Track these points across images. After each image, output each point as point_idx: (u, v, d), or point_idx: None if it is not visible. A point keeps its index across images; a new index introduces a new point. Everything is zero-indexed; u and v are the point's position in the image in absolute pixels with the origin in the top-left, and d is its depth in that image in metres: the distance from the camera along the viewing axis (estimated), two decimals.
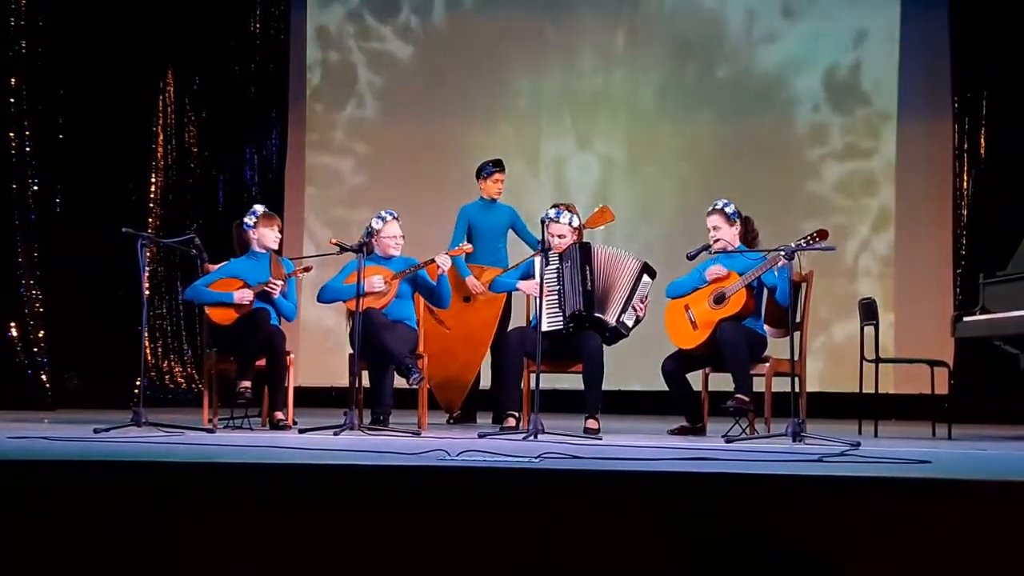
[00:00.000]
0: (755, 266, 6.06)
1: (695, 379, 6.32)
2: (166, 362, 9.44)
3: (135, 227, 6.40)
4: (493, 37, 9.85)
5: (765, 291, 6.20)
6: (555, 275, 6.27)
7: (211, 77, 9.71)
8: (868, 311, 7.10)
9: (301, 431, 5.71)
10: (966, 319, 6.75)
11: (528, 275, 6.42)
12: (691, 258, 6.09)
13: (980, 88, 9.20)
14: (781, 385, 5.95)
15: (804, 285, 6.24)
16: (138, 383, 6.86)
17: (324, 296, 6.48)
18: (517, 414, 6.26)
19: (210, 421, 6.31)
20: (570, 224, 6.34)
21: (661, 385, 6.33)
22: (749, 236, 6.33)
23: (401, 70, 9.90)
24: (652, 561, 3.01)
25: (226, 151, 9.78)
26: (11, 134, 8.52)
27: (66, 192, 8.92)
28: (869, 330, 7.01)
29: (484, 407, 7.41)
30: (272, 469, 3.56)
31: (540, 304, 5.83)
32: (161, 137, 9.50)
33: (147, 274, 7.05)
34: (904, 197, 9.47)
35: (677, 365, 6.26)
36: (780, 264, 5.85)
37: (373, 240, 6.44)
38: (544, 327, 5.88)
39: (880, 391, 7.01)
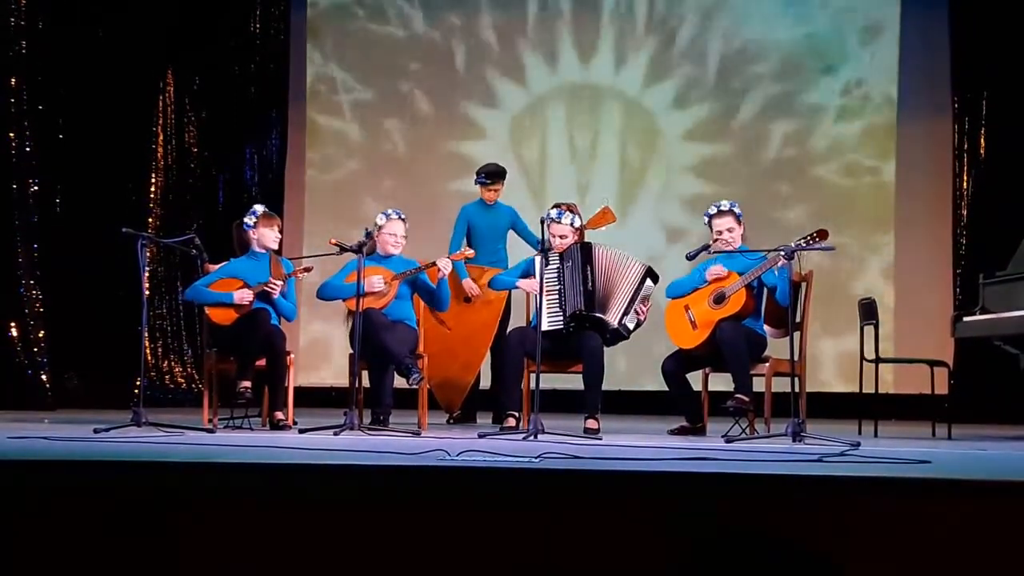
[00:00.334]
0: (755, 266, 6.06)
1: (695, 379, 6.32)
2: (166, 362, 9.44)
3: (135, 227, 6.40)
4: (493, 36, 9.86)
5: (765, 291, 6.20)
6: (556, 275, 6.27)
7: (211, 77, 9.72)
8: (868, 311, 7.10)
9: (301, 431, 5.70)
10: (966, 319, 6.75)
11: (528, 274, 6.42)
12: (691, 258, 6.10)
13: (980, 88, 9.21)
14: (781, 385, 5.95)
15: (804, 285, 6.24)
16: (138, 383, 6.86)
17: (324, 293, 6.48)
18: (517, 414, 6.26)
19: (210, 421, 6.31)
20: (571, 224, 6.34)
21: (661, 385, 6.33)
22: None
23: (401, 70, 9.90)
24: (652, 561, 3.01)
25: (226, 151, 9.79)
26: (11, 134, 8.53)
27: (66, 192, 8.92)
28: (869, 330, 7.01)
29: (484, 407, 7.41)
30: (272, 469, 3.56)
31: (540, 303, 5.84)
32: (161, 137, 9.51)
33: (147, 274, 7.05)
34: (904, 197, 9.47)
35: (677, 365, 6.26)
36: (780, 264, 5.85)
37: (376, 236, 6.45)
38: (544, 327, 5.88)
39: (880, 391, 7.01)
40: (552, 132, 9.80)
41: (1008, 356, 6.86)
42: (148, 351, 9.14)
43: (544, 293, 5.93)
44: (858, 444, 4.94)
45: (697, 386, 6.32)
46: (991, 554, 2.99)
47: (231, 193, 9.69)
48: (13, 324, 8.46)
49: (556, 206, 6.39)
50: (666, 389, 6.33)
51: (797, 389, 5.63)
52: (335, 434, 5.46)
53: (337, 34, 10.02)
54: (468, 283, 7.17)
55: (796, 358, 5.71)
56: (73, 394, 8.68)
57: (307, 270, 6.48)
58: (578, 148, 9.75)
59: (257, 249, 6.47)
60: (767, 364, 6.12)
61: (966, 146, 9.25)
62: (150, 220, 9.29)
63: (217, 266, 6.52)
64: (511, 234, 7.51)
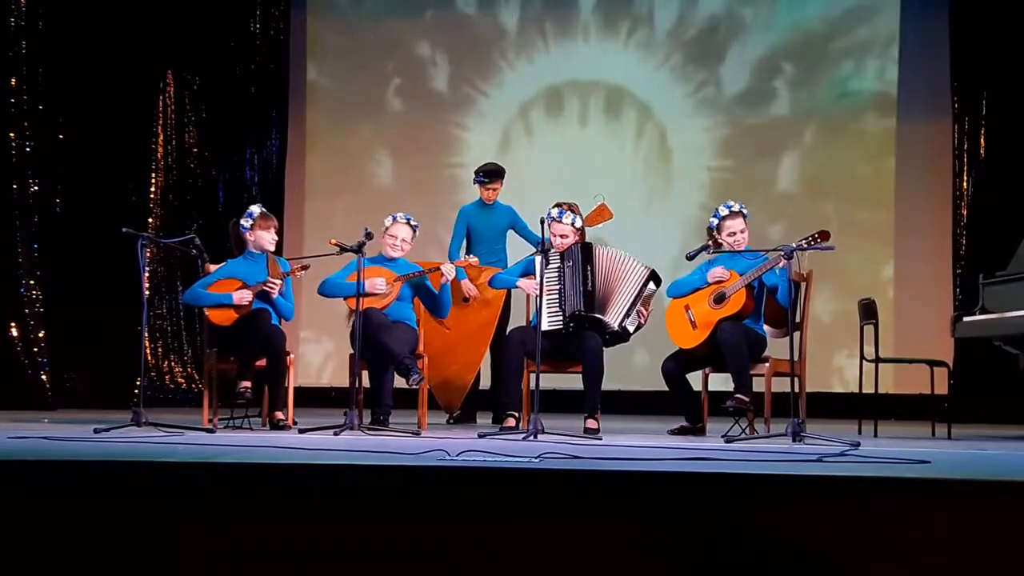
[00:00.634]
0: (756, 266, 6.06)
1: (695, 379, 6.32)
2: (166, 362, 9.44)
3: (135, 227, 6.40)
4: (493, 34, 9.86)
5: (765, 291, 6.19)
6: (556, 274, 6.26)
7: (211, 77, 9.72)
8: (868, 311, 7.10)
9: (301, 431, 5.70)
10: (966, 319, 6.75)
11: (529, 273, 6.41)
12: (691, 258, 6.10)
13: (980, 88, 9.21)
14: (781, 385, 5.95)
15: (804, 285, 6.24)
16: (138, 383, 6.86)
17: (324, 289, 6.47)
18: (517, 414, 6.26)
19: (210, 421, 6.31)
20: (572, 224, 6.34)
21: (661, 385, 6.32)
22: None
23: (401, 69, 9.90)
24: (652, 561, 3.01)
25: (226, 151, 9.79)
26: (11, 134, 8.52)
27: (66, 192, 8.92)
28: (869, 330, 7.02)
29: (484, 407, 7.41)
30: (272, 469, 3.56)
31: (540, 303, 5.83)
32: (161, 137, 9.51)
33: (147, 274, 7.05)
34: (904, 197, 9.48)
35: (677, 365, 6.26)
36: (780, 264, 5.85)
37: (381, 238, 6.46)
38: (544, 326, 5.88)
39: (880, 391, 7.01)
40: (553, 131, 9.79)
41: (1008, 356, 6.86)
42: (148, 351, 9.14)
43: (544, 293, 5.93)
44: (858, 444, 4.94)
45: (697, 386, 6.32)
46: (991, 554, 2.99)
47: (231, 193, 9.69)
48: (13, 324, 8.45)
49: (557, 205, 6.39)
50: (666, 389, 6.33)
51: (797, 389, 5.63)
52: (335, 434, 5.46)
53: (337, 34, 10.01)
54: (466, 283, 7.17)
55: (796, 358, 5.71)
56: (73, 394, 8.67)
57: (304, 268, 6.47)
58: (577, 148, 9.75)
59: (254, 250, 6.47)
60: (767, 364, 6.12)
61: (966, 146, 9.25)
62: (150, 220, 9.29)
63: (217, 266, 6.51)
64: (510, 234, 7.51)
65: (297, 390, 6.64)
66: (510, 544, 3.05)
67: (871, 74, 9.54)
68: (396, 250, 6.47)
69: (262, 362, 6.27)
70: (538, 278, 5.93)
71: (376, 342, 6.11)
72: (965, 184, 9.23)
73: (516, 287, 6.56)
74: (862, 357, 6.95)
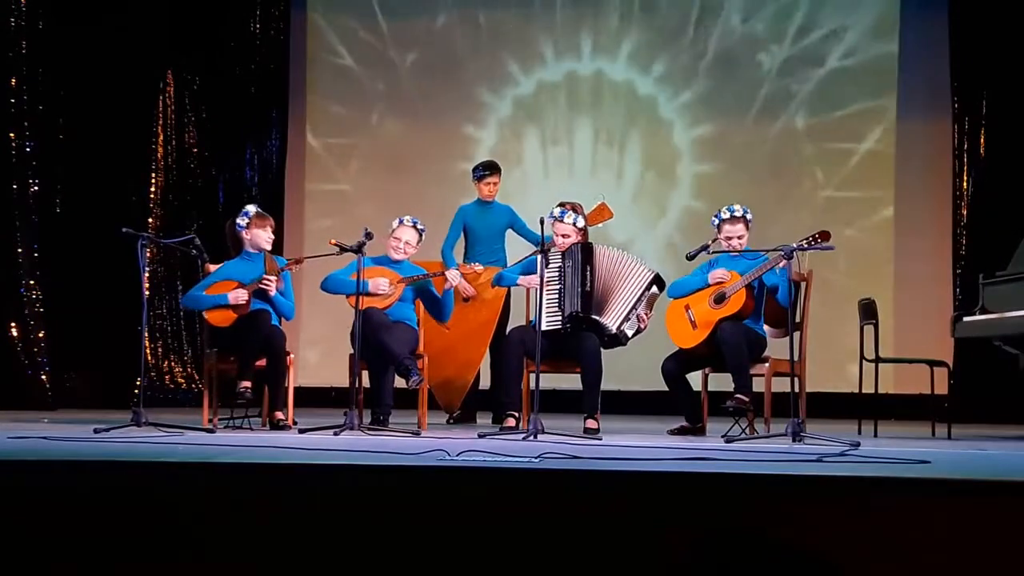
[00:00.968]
0: (756, 266, 6.06)
1: (695, 379, 6.32)
2: (166, 362, 9.44)
3: (135, 227, 6.40)
4: (493, 34, 9.85)
5: (765, 291, 6.19)
6: (556, 274, 6.26)
7: (211, 77, 9.72)
8: (868, 311, 7.10)
9: (301, 431, 5.70)
10: (966, 319, 6.75)
11: (530, 272, 6.40)
12: (691, 258, 6.09)
13: (980, 88, 9.21)
14: (781, 385, 5.95)
15: (804, 285, 6.24)
16: (138, 383, 6.86)
17: (327, 285, 6.46)
18: (517, 414, 6.25)
19: (210, 421, 6.31)
20: (575, 224, 6.32)
21: (661, 385, 6.32)
22: None
23: (401, 69, 9.90)
24: (652, 561, 3.01)
25: (226, 151, 9.78)
26: (11, 134, 8.52)
27: (66, 192, 8.92)
28: (869, 330, 7.02)
29: (484, 407, 7.41)
30: (272, 469, 3.56)
31: (540, 302, 5.82)
32: (161, 137, 9.50)
33: (147, 274, 7.04)
34: (904, 197, 9.48)
35: (677, 365, 6.26)
36: (781, 264, 5.85)
37: (386, 238, 6.47)
38: (543, 326, 5.87)
39: (880, 391, 7.01)
40: (553, 131, 9.79)
41: (1008, 356, 6.86)
42: (148, 351, 9.14)
43: (544, 292, 5.91)
44: (858, 444, 4.94)
45: (697, 386, 6.32)
46: (991, 554, 2.99)
47: (231, 193, 9.68)
48: (13, 324, 8.45)
49: (561, 205, 6.39)
50: (666, 389, 6.33)
51: (797, 389, 5.63)
52: (335, 434, 5.46)
53: (337, 33, 10.01)
54: (463, 284, 7.16)
55: (796, 358, 5.71)
56: (73, 394, 8.67)
57: (299, 262, 6.45)
58: (578, 146, 9.75)
59: (250, 250, 6.46)
60: (767, 364, 6.12)
61: (966, 146, 9.25)
62: (150, 220, 9.29)
63: (217, 266, 6.51)
64: (509, 235, 7.51)
65: (297, 390, 6.64)
66: (510, 544, 3.05)
67: (871, 74, 9.53)
68: (400, 253, 6.47)
69: (262, 362, 6.27)
70: (538, 277, 5.92)
71: (376, 342, 6.11)
72: (965, 184, 9.23)
73: (517, 284, 6.54)
74: (862, 357, 6.94)
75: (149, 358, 9.22)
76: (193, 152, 9.68)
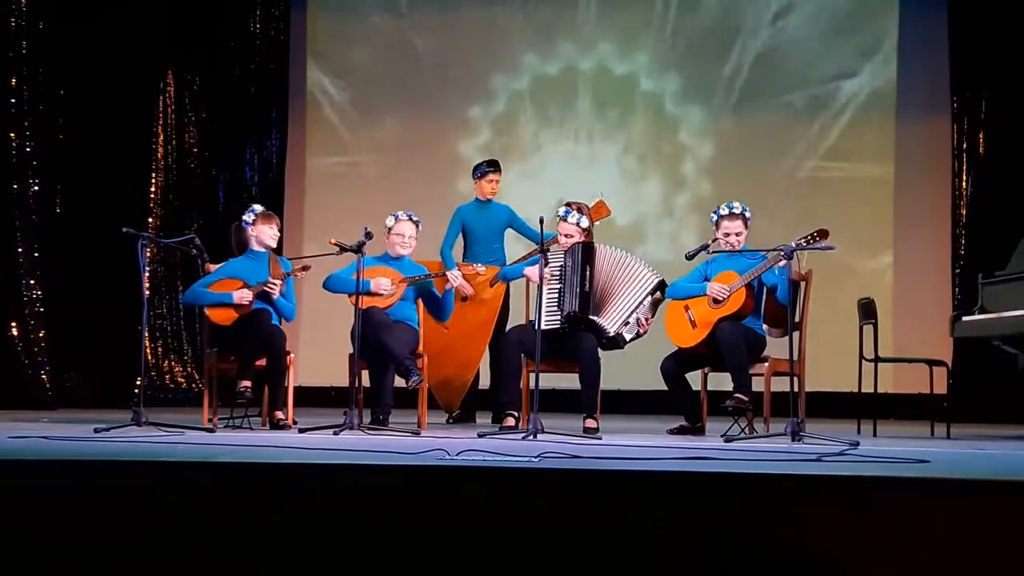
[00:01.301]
0: (755, 265, 6.06)
1: (694, 379, 6.32)
2: (166, 362, 9.44)
3: (135, 227, 6.39)
4: (493, 32, 9.86)
5: (764, 290, 6.19)
6: (557, 273, 6.26)
7: (211, 77, 9.72)
8: (867, 311, 7.10)
9: (301, 431, 5.71)
10: (965, 319, 6.75)
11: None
12: (690, 258, 6.08)
13: (979, 88, 9.21)
14: (780, 385, 5.95)
15: (803, 284, 6.24)
16: (138, 383, 6.86)
17: (329, 284, 6.46)
18: (516, 413, 6.25)
19: (210, 421, 6.31)
20: (578, 224, 6.32)
21: (661, 385, 6.32)
22: None
23: (401, 68, 9.90)
24: (652, 561, 3.01)
25: (226, 151, 9.79)
26: (11, 134, 8.52)
27: (66, 192, 8.93)
28: (868, 330, 7.02)
29: (483, 406, 7.41)
30: (272, 469, 3.56)
31: (540, 301, 5.82)
32: (161, 137, 9.51)
33: (147, 274, 7.05)
34: (904, 197, 9.48)
35: (676, 365, 6.26)
36: (780, 263, 5.85)
37: (385, 239, 6.46)
38: (542, 325, 5.87)
39: (879, 391, 7.01)
40: (554, 129, 9.79)
41: (1007, 356, 6.86)
42: (148, 351, 9.14)
43: (545, 291, 5.91)
44: (857, 444, 4.94)
45: (696, 386, 6.32)
46: (991, 554, 2.99)
47: (231, 193, 9.69)
48: (13, 324, 8.45)
49: (567, 205, 6.39)
50: (665, 389, 6.33)
51: (796, 389, 5.63)
52: (335, 434, 5.46)
53: (337, 33, 10.01)
54: (462, 283, 7.16)
55: (795, 358, 5.71)
56: (73, 394, 8.67)
57: (305, 268, 6.47)
58: (577, 145, 9.75)
59: (256, 247, 6.47)
60: (766, 364, 6.12)
61: (965, 146, 9.26)
62: (150, 220, 9.29)
63: (217, 266, 6.52)
64: (508, 234, 7.50)
65: (297, 390, 6.64)
66: (510, 544, 3.05)
67: (870, 74, 9.54)
68: (405, 247, 6.49)
69: (262, 362, 6.27)
70: (540, 273, 5.91)
71: (376, 342, 6.12)
72: (964, 184, 9.24)
73: (523, 275, 6.52)
74: (861, 357, 6.95)
75: (149, 358, 9.22)
76: (193, 152, 9.68)
